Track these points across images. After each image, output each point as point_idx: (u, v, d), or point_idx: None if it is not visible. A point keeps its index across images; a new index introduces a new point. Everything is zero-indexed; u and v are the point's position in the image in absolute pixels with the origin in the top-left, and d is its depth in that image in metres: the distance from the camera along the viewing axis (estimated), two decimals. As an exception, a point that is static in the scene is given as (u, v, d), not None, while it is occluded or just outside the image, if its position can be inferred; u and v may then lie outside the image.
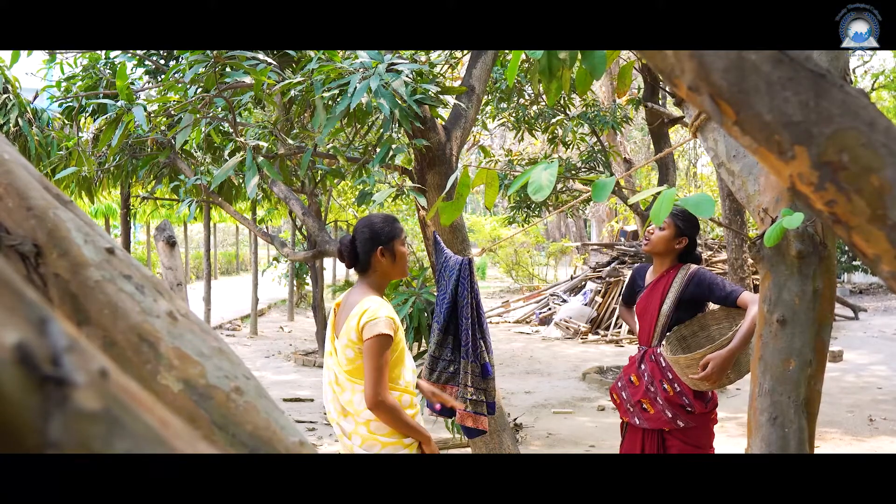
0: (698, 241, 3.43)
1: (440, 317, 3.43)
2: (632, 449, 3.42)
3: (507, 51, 5.34)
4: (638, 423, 3.33)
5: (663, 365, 3.29)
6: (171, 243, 3.51)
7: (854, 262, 15.91)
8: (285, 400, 7.54)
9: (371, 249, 2.64)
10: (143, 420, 0.40)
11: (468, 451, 5.14)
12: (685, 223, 3.30)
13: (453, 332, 3.41)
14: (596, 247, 17.88)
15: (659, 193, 2.01)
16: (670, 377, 3.25)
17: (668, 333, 3.29)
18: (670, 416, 3.24)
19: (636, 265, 3.65)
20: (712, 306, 3.44)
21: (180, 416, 0.83)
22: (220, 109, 4.45)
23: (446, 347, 3.40)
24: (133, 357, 0.86)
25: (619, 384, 3.46)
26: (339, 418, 2.62)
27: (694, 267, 3.35)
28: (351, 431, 2.58)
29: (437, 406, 3.19)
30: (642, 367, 3.37)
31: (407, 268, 2.77)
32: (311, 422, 6.75)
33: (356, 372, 2.56)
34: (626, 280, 3.69)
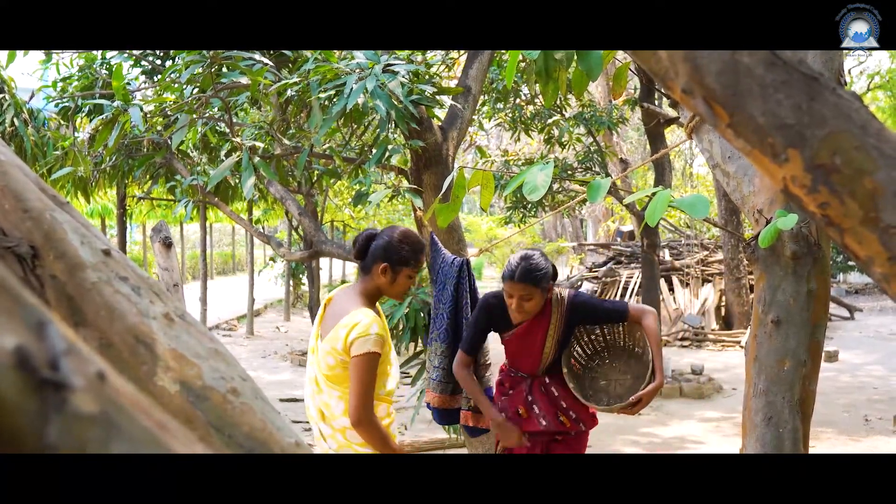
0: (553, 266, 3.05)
1: (442, 320, 3.42)
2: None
3: (503, 51, 5.34)
4: (527, 441, 3.08)
5: (556, 394, 3.05)
6: (168, 244, 3.51)
7: (850, 263, 15.95)
8: (281, 400, 7.53)
9: (378, 259, 2.60)
10: (140, 423, 0.41)
11: (465, 451, 5.15)
12: (543, 279, 2.91)
13: (453, 336, 3.39)
14: (592, 247, 17.92)
15: (655, 194, 2.02)
16: (564, 406, 3.04)
17: (566, 371, 3.03)
18: (562, 430, 3.08)
19: (487, 302, 3.11)
20: None
21: (177, 417, 0.83)
22: (216, 110, 4.45)
23: (448, 357, 3.37)
24: (130, 358, 0.86)
25: (507, 414, 3.10)
26: (318, 419, 2.59)
27: (564, 294, 3.06)
28: (328, 435, 2.57)
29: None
30: (530, 398, 3.09)
31: (404, 296, 2.71)
32: (306, 422, 6.73)
33: (335, 378, 2.53)
34: (474, 323, 3.17)
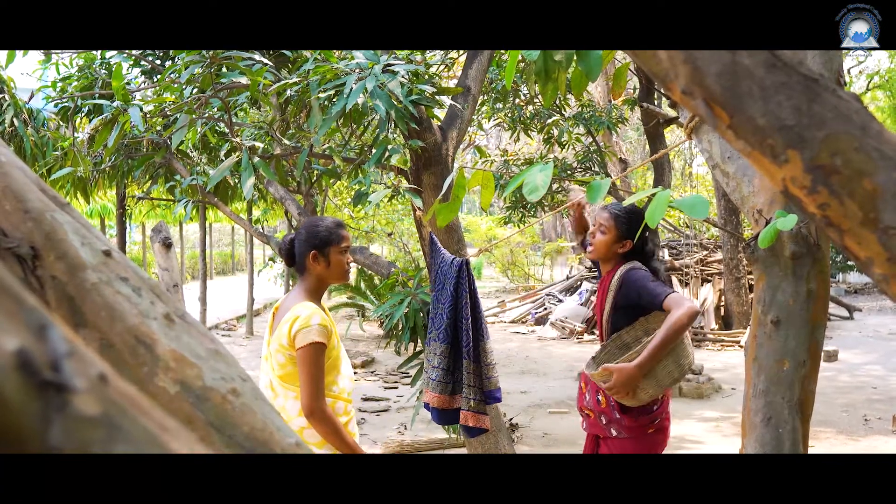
0: (650, 240, 3.10)
1: (441, 319, 3.42)
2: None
3: (503, 51, 5.34)
4: (583, 427, 3.17)
5: None
6: (167, 245, 3.51)
7: (849, 262, 15.96)
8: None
9: (305, 252, 2.64)
10: (142, 424, 0.41)
11: (464, 451, 5.15)
12: (628, 226, 3.01)
13: (453, 336, 3.40)
14: (592, 247, 17.87)
15: (654, 195, 2.02)
16: None
17: (608, 341, 3.02)
18: (605, 422, 3.03)
19: None
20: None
21: (177, 418, 0.83)
22: (216, 110, 4.45)
23: (447, 357, 3.39)
24: (130, 359, 0.86)
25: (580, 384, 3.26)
26: None
27: (625, 266, 3.01)
28: None
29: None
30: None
31: (346, 275, 2.72)
32: (307, 422, 6.74)
33: (287, 377, 2.55)
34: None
